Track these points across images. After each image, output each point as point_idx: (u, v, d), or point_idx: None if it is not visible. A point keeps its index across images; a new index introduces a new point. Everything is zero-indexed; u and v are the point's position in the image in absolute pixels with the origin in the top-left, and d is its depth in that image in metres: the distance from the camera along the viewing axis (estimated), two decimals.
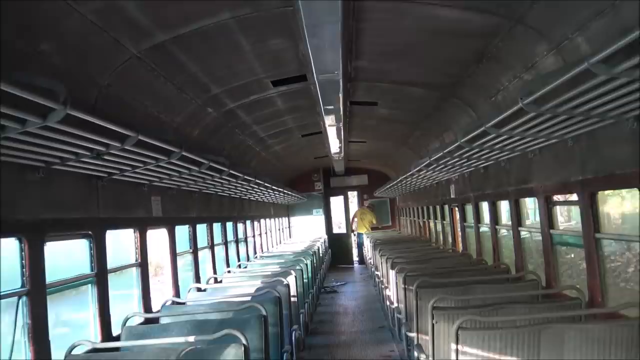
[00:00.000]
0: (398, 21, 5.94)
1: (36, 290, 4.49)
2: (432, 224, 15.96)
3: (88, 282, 5.60)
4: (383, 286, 11.42)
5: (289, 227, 24.70)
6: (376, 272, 13.71)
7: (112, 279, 6.63)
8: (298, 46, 6.48)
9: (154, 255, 8.87)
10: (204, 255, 10.49)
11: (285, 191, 15.56)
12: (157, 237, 8.15)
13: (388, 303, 10.07)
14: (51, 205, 4.86)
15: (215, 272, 10.47)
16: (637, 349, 4.08)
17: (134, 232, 6.87)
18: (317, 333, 11.11)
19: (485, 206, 9.64)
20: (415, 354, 6.09)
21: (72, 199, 5.29)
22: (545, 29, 4.97)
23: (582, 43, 4.60)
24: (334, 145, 13.06)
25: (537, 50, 5.28)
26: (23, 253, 4.43)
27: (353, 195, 24.88)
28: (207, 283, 9.10)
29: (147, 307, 6.94)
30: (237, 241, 13.35)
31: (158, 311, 6.82)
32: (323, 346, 10.11)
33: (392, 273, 9.20)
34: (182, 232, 9.15)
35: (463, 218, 11.49)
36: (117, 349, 4.86)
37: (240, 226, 14.02)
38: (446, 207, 13.40)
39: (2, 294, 4.19)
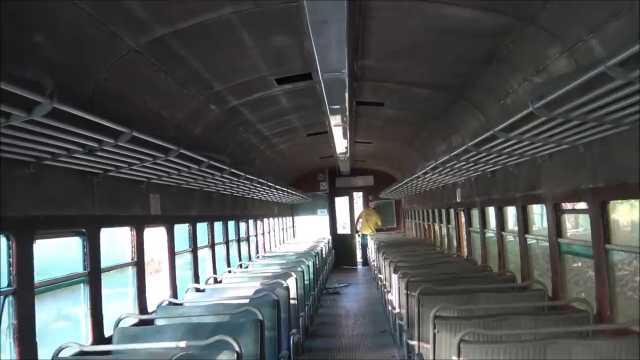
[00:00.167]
0: (405, 20, 5.78)
1: (23, 290, 4.34)
2: (437, 228, 15.78)
3: (80, 281, 5.45)
4: (385, 290, 11.25)
5: (293, 226, 24.56)
6: (379, 275, 13.54)
7: (109, 276, 6.53)
8: (303, 43, 6.32)
9: (157, 252, 8.76)
10: (205, 255, 10.35)
11: (289, 190, 15.40)
12: (161, 234, 8.06)
13: (390, 308, 9.90)
14: (42, 201, 4.70)
15: (215, 272, 10.31)
16: None
17: (131, 230, 6.71)
18: (317, 336, 10.95)
19: (491, 211, 9.45)
20: None
21: (65, 195, 5.13)
22: (558, 30, 4.80)
23: (596, 45, 4.43)
24: (340, 145, 12.92)
25: (549, 52, 5.11)
26: (10, 251, 4.28)
27: (358, 196, 24.73)
28: (207, 283, 8.95)
29: (142, 308, 6.78)
30: (238, 240, 13.20)
31: (153, 312, 6.68)
32: (323, 349, 9.96)
33: (394, 277, 9.04)
34: (183, 230, 9.02)
35: (469, 223, 11.29)
36: (106, 352, 4.70)
37: (242, 225, 13.86)
38: (452, 210, 13.21)
39: None
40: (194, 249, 9.16)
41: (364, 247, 22.90)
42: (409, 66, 7.45)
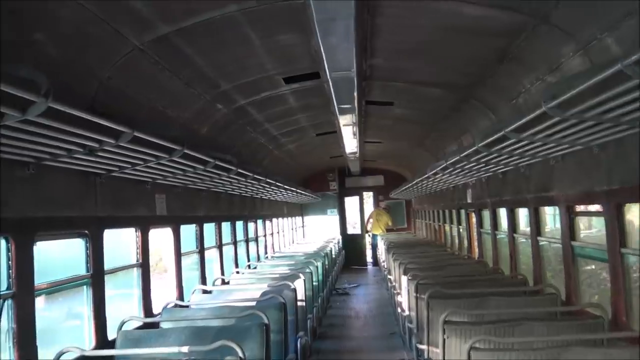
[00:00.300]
0: (415, 18, 5.65)
1: (23, 293, 4.26)
2: (447, 228, 15.63)
3: (83, 283, 5.37)
4: (395, 291, 11.12)
5: (303, 226, 24.46)
6: (389, 276, 13.41)
7: (116, 277, 6.46)
8: (310, 42, 6.20)
9: (166, 252, 8.67)
10: (213, 255, 10.27)
11: (298, 190, 15.29)
12: (169, 234, 7.98)
13: (399, 310, 9.77)
14: (42, 203, 4.62)
15: (222, 273, 10.23)
16: None
17: (135, 231, 6.63)
18: (326, 337, 10.84)
19: (502, 212, 9.30)
20: None
21: (66, 196, 5.05)
22: (572, 29, 4.66)
23: (612, 44, 4.28)
24: (349, 145, 12.79)
25: (562, 51, 4.97)
26: (10, 253, 4.20)
27: (368, 196, 24.60)
28: (214, 284, 8.86)
29: (148, 310, 6.70)
30: (247, 241, 13.12)
31: (158, 314, 6.59)
32: (331, 351, 9.85)
33: (404, 279, 8.91)
34: (190, 231, 8.95)
35: (479, 224, 11.14)
36: (108, 357, 4.61)
37: (251, 225, 13.78)
38: (462, 211, 13.06)
39: None
40: (201, 250, 9.08)
41: (374, 247, 22.77)
42: (418, 65, 7.33)
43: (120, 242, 6.67)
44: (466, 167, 7.92)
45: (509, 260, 8.84)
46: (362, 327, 12.01)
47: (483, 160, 6.93)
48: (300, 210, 23.80)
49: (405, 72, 7.73)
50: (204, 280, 8.96)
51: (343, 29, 4.80)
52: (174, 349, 4.42)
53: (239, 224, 12.43)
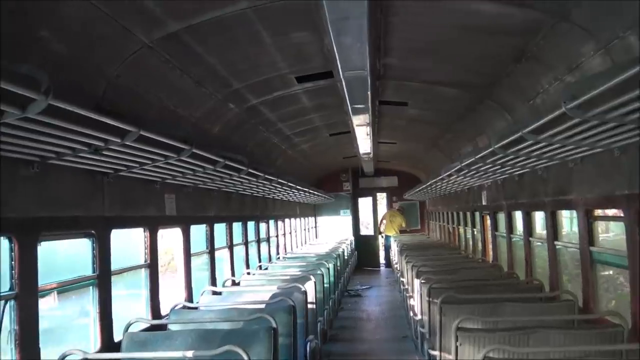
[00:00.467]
0: (430, 16, 5.53)
1: (26, 294, 4.17)
2: (461, 231, 15.44)
3: (89, 284, 5.29)
4: (408, 294, 10.96)
5: (315, 227, 24.36)
6: (401, 279, 13.25)
7: (126, 277, 6.40)
8: (323, 40, 6.09)
9: (178, 251, 8.59)
10: (224, 255, 10.18)
11: (310, 191, 15.18)
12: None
13: (412, 314, 9.61)
14: (47, 202, 4.53)
15: (233, 274, 10.14)
16: None
17: (144, 231, 6.54)
18: (336, 340, 10.72)
19: (518, 216, 9.12)
20: None
21: (72, 195, 4.96)
22: (593, 27, 4.51)
23: (634, 43, 4.13)
24: (363, 145, 12.65)
25: (583, 49, 4.82)
26: (13, 253, 4.12)
27: (382, 197, 24.47)
28: (224, 285, 8.77)
29: (155, 311, 6.61)
30: (258, 241, 13.02)
31: (165, 316, 6.51)
32: (342, 355, 9.75)
33: (417, 282, 8.77)
34: (201, 231, 8.87)
35: (494, 227, 10.95)
36: None
37: (262, 226, 13.69)
38: (477, 214, 12.87)
39: None
40: (211, 250, 8.99)
41: (387, 248, 22.63)
42: (433, 65, 7.20)
43: (131, 242, 6.61)
44: (481, 168, 7.75)
45: (525, 264, 8.65)
46: (374, 329, 11.89)
47: (499, 162, 6.77)
48: (313, 210, 23.70)
49: (420, 71, 7.60)
50: (213, 281, 8.87)
51: (356, 28, 4.69)
52: (179, 353, 4.32)
53: (251, 224, 12.33)
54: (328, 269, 11.13)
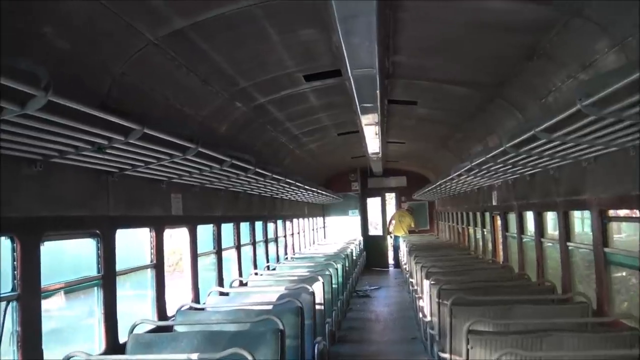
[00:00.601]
0: (439, 13, 5.43)
1: (29, 295, 4.10)
2: (471, 231, 15.31)
3: (93, 285, 5.22)
4: (417, 295, 10.85)
5: (324, 227, 24.28)
6: (410, 280, 13.14)
7: (133, 277, 6.34)
8: (331, 38, 5.99)
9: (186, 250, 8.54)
10: (231, 255, 10.11)
11: (319, 191, 15.10)
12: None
13: (421, 315, 9.50)
14: (50, 201, 4.45)
15: (240, 275, 10.07)
16: None
17: (150, 231, 6.47)
18: (345, 341, 10.62)
19: (529, 216, 8.98)
20: None
21: (76, 195, 4.89)
22: (607, 23, 4.39)
23: None
24: (372, 145, 12.56)
25: (596, 46, 4.71)
26: (15, 254, 4.05)
27: (391, 197, 24.36)
28: (231, 286, 8.70)
29: (161, 313, 6.54)
30: (266, 241, 12.95)
31: (172, 317, 6.44)
32: (350, 356, 9.65)
33: (426, 283, 8.66)
34: (208, 231, 8.81)
35: (505, 227, 10.81)
36: None
37: (270, 226, 13.61)
38: (487, 214, 12.73)
39: None
40: (218, 251, 8.91)
41: (396, 249, 22.53)
42: (443, 63, 7.10)
43: (138, 242, 6.56)
44: (492, 168, 7.64)
45: (536, 265, 8.52)
46: (382, 331, 11.79)
47: (510, 161, 6.65)
48: (321, 210, 23.62)
49: (429, 70, 7.50)
50: (221, 282, 8.80)
51: (365, 25, 4.63)
52: (184, 356, 4.25)
53: (258, 225, 12.26)
54: (336, 269, 11.03)
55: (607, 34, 4.46)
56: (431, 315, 7.99)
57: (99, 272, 5.26)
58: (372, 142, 11.97)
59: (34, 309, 4.18)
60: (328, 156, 16.95)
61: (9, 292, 4.01)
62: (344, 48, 5.20)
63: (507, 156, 6.32)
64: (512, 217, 10.06)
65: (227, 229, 9.75)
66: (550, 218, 8.25)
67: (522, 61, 5.98)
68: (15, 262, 4.05)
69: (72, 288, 5.16)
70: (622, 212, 5.89)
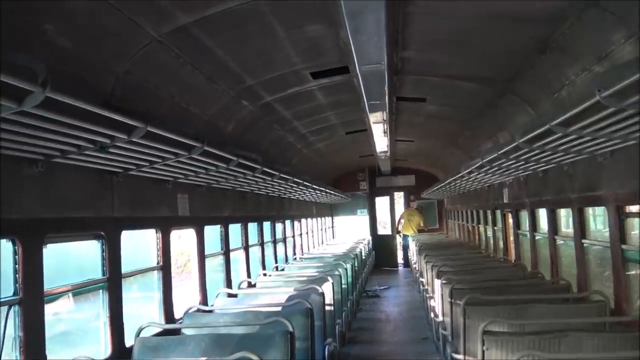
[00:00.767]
0: (449, 5, 5.29)
1: (31, 299, 4.00)
2: (481, 229, 15.14)
3: (98, 287, 5.11)
4: (428, 295, 10.71)
5: (332, 227, 24.16)
6: (421, 279, 13.00)
7: (141, 279, 6.25)
8: (338, 33, 5.88)
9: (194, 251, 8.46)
10: (239, 256, 10.01)
11: (327, 190, 14.98)
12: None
13: (432, 315, 9.36)
14: (53, 203, 4.34)
15: (249, 276, 9.96)
16: None
17: (156, 232, 6.37)
18: (355, 342, 10.50)
19: (542, 213, 8.82)
20: None
21: (80, 195, 4.78)
22: (624, 13, 4.23)
23: None
24: (380, 143, 12.41)
25: (613, 37, 4.55)
26: (16, 256, 3.94)
27: (399, 196, 24.23)
28: (240, 287, 8.59)
29: (169, 315, 6.43)
30: (274, 242, 12.84)
31: (179, 320, 6.34)
32: (361, 357, 9.53)
33: (437, 283, 8.52)
34: (216, 232, 8.70)
35: (517, 225, 10.64)
36: None
37: (278, 226, 13.50)
38: (498, 212, 12.56)
39: None
40: (226, 252, 8.80)
41: (405, 248, 22.40)
42: (452, 58, 6.95)
43: (144, 244, 6.47)
44: (504, 165, 7.48)
45: (550, 264, 8.35)
46: (393, 331, 11.66)
47: (523, 157, 6.50)
48: (329, 210, 23.52)
49: (439, 65, 7.35)
50: (229, 283, 8.68)
51: (373, 20, 4.50)
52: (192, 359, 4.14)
53: (266, 225, 12.15)
54: (346, 269, 10.91)
55: (624, 24, 4.32)
56: (443, 315, 7.86)
57: (104, 275, 5.15)
58: (380, 140, 11.83)
59: (37, 313, 4.07)
60: (336, 155, 16.83)
61: (10, 296, 3.90)
62: (351, 43, 5.07)
63: (519, 152, 6.18)
64: (524, 215, 9.90)
65: (234, 229, 9.64)
66: (563, 215, 8.09)
67: (534, 54, 5.83)
68: (16, 265, 3.95)
69: (76, 291, 5.06)
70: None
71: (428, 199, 22.57)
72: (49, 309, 4.47)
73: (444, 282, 7.79)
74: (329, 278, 8.52)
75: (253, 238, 10.91)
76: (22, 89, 2.70)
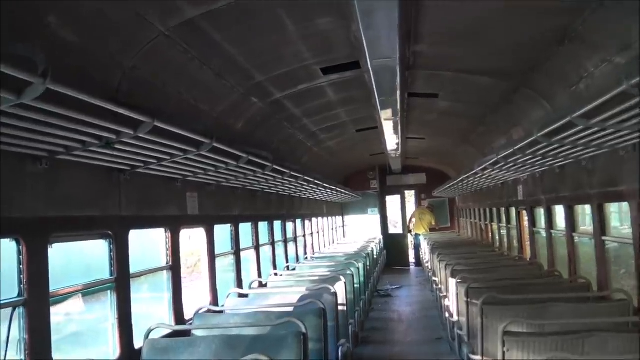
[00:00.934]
0: None
1: (36, 300, 3.88)
2: (495, 227, 14.93)
3: (106, 288, 5.00)
4: (441, 294, 10.54)
5: (343, 226, 24.01)
6: (434, 278, 12.82)
7: (151, 279, 6.15)
8: (349, 27, 5.72)
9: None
10: (250, 255, 9.89)
11: (337, 189, 14.83)
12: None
13: (447, 315, 9.19)
14: (58, 201, 4.23)
15: (260, 276, 9.83)
16: None
17: (165, 231, 6.25)
18: (368, 342, 10.35)
19: (558, 210, 8.62)
20: None
21: (86, 194, 4.66)
22: None
23: None
24: (391, 141, 12.24)
25: (636, 25, 4.34)
26: (21, 257, 3.83)
27: (410, 195, 24.06)
28: (250, 287, 8.46)
29: (179, 316, 6.30)
30: (285, 241, 12.71)
31: (189, 321, 6.21)
32: (375, 358, 9.39)
33: (452, 282, 8.35)
34: (226, 231, 8.58)
35: (532, 223, 10.43)
36: None
37: (289, 225, 13.37)
38: (512, 209, 12.36)
39: None
40: (237, 251, 8.67)
41: (417, 247, 22.23)
42: (466, 51, 6.77)
43: (154, 243, 6.36)
44: (520, 161, 7.30)
45: (568, 261, 8.16)
46: (406, 331, 11.50)
47: (540, 152, 6.32)
48: (340, 209, 23.38)
49: (452, 59, 7.17)
50: (239, 284, 8.56)
51: (385, 12, 4.34)
52: None
53: (277, 224, 12.02)
54: (358, 268, 10.76)
55: None
56: (458, 315, 7.69)
57: (112, 275, 5.04)
58: (391, 138, 11.67)
59: (42, 314, 3.96)
60: (346, 153, 16.67)
61: (15, 298, 3.79)
62: (363, 36, 4.91)
63: (536, 147, 6.01)
64: (540, 212, 9.70)
65: (245, 228, 9.53)
66: (580, 212, 7.90)
67: (551, 46, 5.65)
68: (21, 266, 3.83)
69: (84, 292, 4.95)
70: None
71: (439, 198, 22.40)
72: (58, 310, 4.37)
73: (459, 281, 7.62)
74: (342, 277, 8.36)
75: (264, 237, 10.78)
76: (22, 81, 2.58)
